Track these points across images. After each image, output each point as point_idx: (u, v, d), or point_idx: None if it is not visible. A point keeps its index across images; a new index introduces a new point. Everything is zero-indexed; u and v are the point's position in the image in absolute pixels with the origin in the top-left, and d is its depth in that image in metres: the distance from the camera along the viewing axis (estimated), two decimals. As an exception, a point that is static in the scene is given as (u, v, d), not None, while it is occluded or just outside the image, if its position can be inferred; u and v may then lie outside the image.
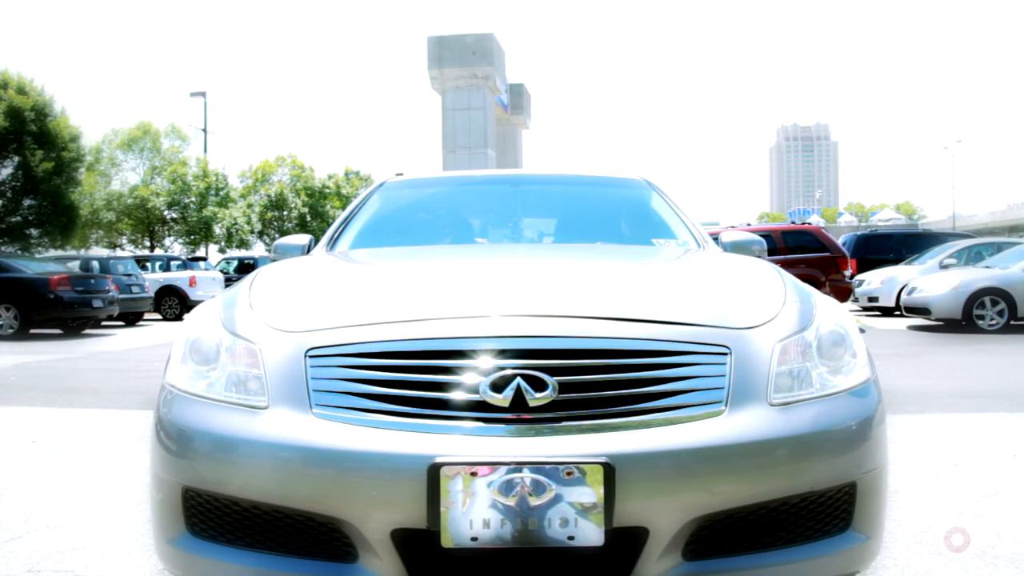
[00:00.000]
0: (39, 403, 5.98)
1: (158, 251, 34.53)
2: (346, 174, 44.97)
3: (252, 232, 38.54)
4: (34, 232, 23.54)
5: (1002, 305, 11.29)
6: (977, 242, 15.77)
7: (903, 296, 12.68)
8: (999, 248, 14.14)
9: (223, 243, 37.22)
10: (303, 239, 3.41)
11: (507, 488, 1.52)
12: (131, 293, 16.48)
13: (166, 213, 35.47)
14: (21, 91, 22.40)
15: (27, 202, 22.97)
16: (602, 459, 1.53)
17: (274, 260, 3.17)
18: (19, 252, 22.20)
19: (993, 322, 11.30)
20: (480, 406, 1.61)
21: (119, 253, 33.02)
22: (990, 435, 4.37)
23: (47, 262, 15.95)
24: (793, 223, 19.51)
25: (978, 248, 14.96)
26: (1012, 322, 11.31)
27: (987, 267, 12.32)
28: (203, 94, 36.35)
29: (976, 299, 11.34)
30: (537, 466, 1.53)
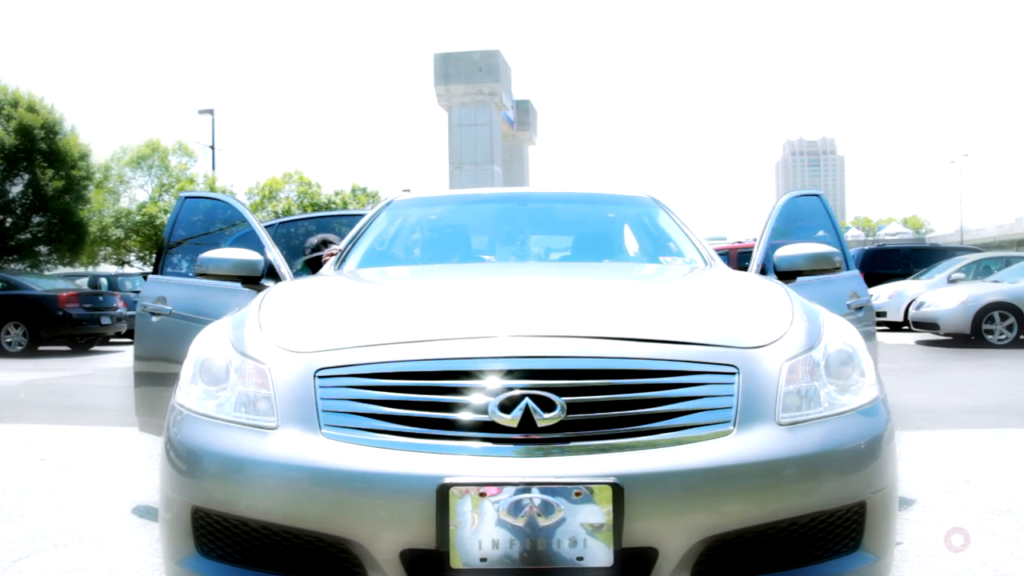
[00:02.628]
0: (47, 420, 6.00)
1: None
2: (353, 190, 45.09)
3: (259, 248, 38.61)
4: (43, 249, 23.71)
5: (1011, 320, 11.25)
6: (985, 256, 15.72)
7: (911, 311, 12.64)
8: (1007, 262, 14.09)
9: (231, 260, 37.31)
10: (249, 255, 2.90)
11: (516, 508, 1.52)
12: (139, 310, 16.55)
13: (174, 230, 35.62)
14: (31, 109, 22.62)
15: (36, 219, 23.16)
16: (611, 479, 1.53)
17: (200, 276, 2.82)
18: (28, 269, 22.36)
19: (1002, 337, 11.24)
20: (488, 426, 1.61)
21: (127, 270, 33.09)
22: (1001, 451, 4.34)
23: (56, 279, 16.07)
24: (800, 238, 19.25)
25: (986, 262, 14.91)
26: (1021, 337, 11.25)
27: (996, 281, 12.27)
28: (211, 111, 36.61)
29: (985, 314, 11.30)
30: (546, 486, 1.53)
